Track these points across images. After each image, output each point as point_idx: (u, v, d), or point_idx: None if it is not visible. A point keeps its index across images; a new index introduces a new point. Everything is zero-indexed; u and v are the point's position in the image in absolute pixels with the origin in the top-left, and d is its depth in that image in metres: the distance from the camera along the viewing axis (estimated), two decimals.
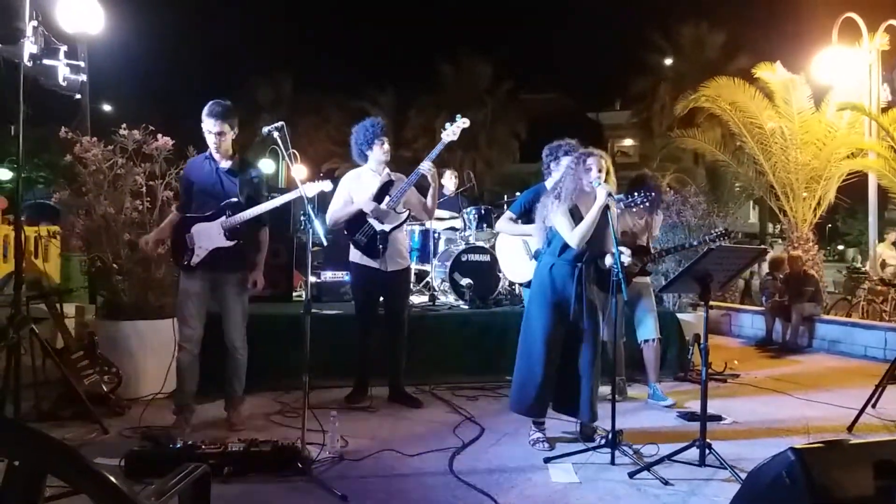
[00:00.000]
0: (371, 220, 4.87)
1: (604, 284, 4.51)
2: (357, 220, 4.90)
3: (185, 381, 4.22)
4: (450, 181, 8.20)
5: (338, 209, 4.93)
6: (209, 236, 4.18)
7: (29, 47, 3.88)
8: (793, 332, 7.93)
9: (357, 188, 4.95)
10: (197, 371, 4.27)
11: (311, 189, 4.26)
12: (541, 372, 3.96)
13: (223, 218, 4.19)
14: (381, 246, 4.84)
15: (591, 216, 3.87)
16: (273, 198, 4.30)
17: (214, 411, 4.45)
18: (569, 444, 4.04)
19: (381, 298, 5.06)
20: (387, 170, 5.05)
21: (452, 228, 7.41)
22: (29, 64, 3.91)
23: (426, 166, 4.78)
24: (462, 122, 4.87)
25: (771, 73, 10.03)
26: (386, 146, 4.99)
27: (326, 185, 4.48)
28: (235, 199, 4.21)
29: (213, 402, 4.49)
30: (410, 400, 5.05)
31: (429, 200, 4.97)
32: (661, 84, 25.49)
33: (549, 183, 4.68)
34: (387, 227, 4.87)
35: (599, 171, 3.92)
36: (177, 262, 4.27)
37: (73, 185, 5.16)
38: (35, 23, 3.95)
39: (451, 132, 4.85)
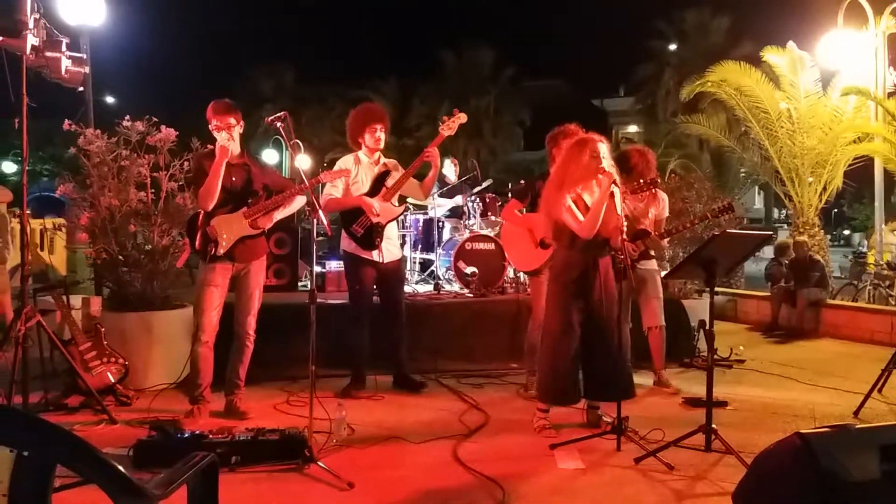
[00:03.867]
0: (370, 213, 4.83)
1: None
2: (354, 210, 4.87)
3: (203, 372, 4.27)
4: (450, 169, 8.18)
5: (333, 198, 4.86)
6: (233, 227, 4.25)
7: (31, 40, 3.87)
8: (798, 317, 7.92)
9: (353, 174, 4.91)
10: (212, 362, 4.31)
11: (333, 176, 4.30)
12: (567, 362, 3.96)
13: (244, 208, 4.27)
14: (377, 239, 4.85)
15: (599, 204, 3.82)
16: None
17: (221, 400, 4.47)
18: (575, 431, 4.05)
19: (375, 288, 5.06)
20: (382, 158, 5.03)
21: (455, 216, 7.40)
22: (31, 57, 3.91)
23: (435, 153, 4.82)
24: (460, 118, 4.85)
25: (778, 56, 9.95)
26: (379, 133, 4.92)
27: (346, 172, 4.52)
28: (255, 191, 4.32)
29: (221, 392, 4.51)
30: (414, 384, 5.08)
31: (426, 182, 5.02)
32: (666, 70, 25.37)
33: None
34: (383, 220, 4.87)
35: (602, 157, 3.88)
36: (202, 253, 4.28)
37: (77, 178, 5.17)
38: (37, 15, 3.94)
39: (447, 127, 4.84)
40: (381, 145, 4.97)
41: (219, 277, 4.27)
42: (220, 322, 4.34)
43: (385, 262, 4.91)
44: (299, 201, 4.42)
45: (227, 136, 4.22)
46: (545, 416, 4.10)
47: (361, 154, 4.98)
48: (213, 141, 4.32)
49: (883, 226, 10.87)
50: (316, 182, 4.28)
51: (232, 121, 4.25)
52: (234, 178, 4.29)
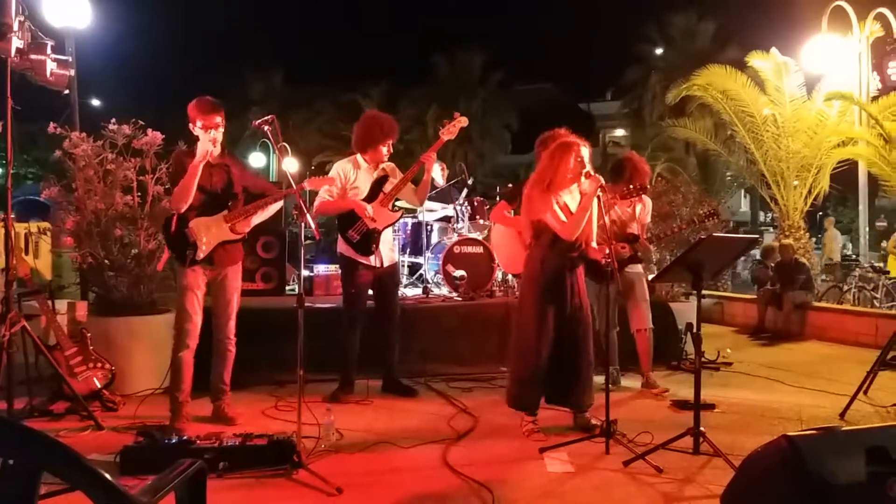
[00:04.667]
0: (365, 218, 4.82)
1: (595, 274, 4.52)
2: (350, 214, 4.85)
3: (185, 378, 4.21)
4: (437, 173, 8.14)
5: (328, 200, 4.83)
6: (212, 230, 4.17)
7: (16, 42, 3.85)
8: (785, 319, 7.97)
9: (352, 179, 4.89)
10: (192, 366, 4.26)
11: (316, 184, 4.27)
12: (536, 365, 3.97)
13: (224, 212, 4.19)
14: (374, 245, 4.83)
15: (584, 207, 3.86)
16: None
17: (209, 406, 4.44)
18: (563, 434, 4.05)
19: (370, 292, 5.04)
20: (381, 164, 5.02)
21: (445, 220, 7.39)
22: (16, 59, 3.88)
23: (433, 158, 4.88)
24: (461, 121, 4.87)
25: (763, 60, 10.03)
26: (391, 147, 4.97)
27: (330, 180, 4.48)
28: (235, 194, 4.24)
29: (207, 398, 4.48)
30: (405, 390, 5.06)
31: (421, 187, 5.01)
32: (652, 74, 25.47)
33: None
34: (380, 226, 4.86)
35: (585, 160, 3.91)
36: (180, 257, 4.15)
37: (62, 181, 5.12)
38: (21, 17, 3.91)
39: (447, 131, 4.85)
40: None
41: (199, 281, 4.19)
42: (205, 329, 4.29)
43: (381, 266, 4.90)
44: (275, 205, 4.36)
45: (213, 136, 4.11)
46: (533, 420, 4.11)
47: (360, 159, 4.96)
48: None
49: (867, 229, 10.97)
50: (300, 189, 4.21)
51: (218, 120, 4.14)
52: (213, 179, 4.20)
